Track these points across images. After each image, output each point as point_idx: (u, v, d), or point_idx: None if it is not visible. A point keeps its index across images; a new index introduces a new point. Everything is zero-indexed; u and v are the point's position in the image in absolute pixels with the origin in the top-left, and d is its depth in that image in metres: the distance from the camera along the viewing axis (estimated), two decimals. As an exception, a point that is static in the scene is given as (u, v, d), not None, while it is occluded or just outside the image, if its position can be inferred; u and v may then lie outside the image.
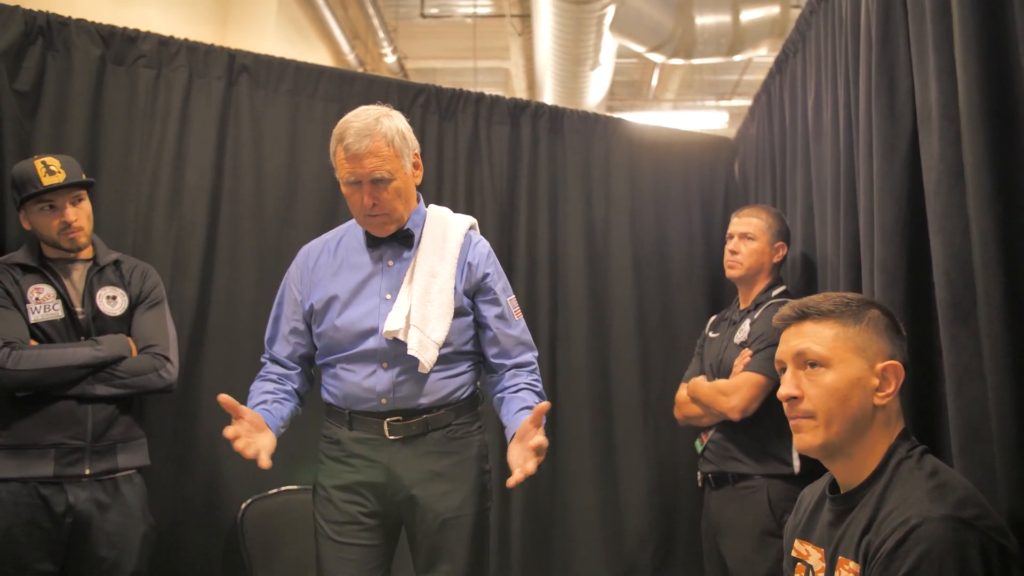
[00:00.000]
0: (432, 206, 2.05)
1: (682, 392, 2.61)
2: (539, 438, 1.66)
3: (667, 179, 3.45)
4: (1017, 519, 1.32)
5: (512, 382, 1.95)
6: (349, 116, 1.87)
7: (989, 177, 1.42)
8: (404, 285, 1.90)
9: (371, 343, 1.88)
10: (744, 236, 2.59)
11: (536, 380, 1.98)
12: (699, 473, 2.56)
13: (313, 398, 2.05)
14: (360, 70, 8.29)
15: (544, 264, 3.22)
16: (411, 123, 2.94)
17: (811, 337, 1.34)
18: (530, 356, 2.02)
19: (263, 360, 2.03)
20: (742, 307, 2.62)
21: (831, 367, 1.31)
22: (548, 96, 7.05)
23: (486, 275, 1.98)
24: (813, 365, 1.33)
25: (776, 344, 1.43)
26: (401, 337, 1.86)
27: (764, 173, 3.20)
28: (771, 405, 2.27)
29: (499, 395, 1.96)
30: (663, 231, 3.42)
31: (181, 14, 5.35)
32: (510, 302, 2.01)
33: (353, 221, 2.02)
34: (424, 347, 1.85)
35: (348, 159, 1.82)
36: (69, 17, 2.58)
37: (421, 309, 1.87)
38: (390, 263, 1.94)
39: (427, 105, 3.10)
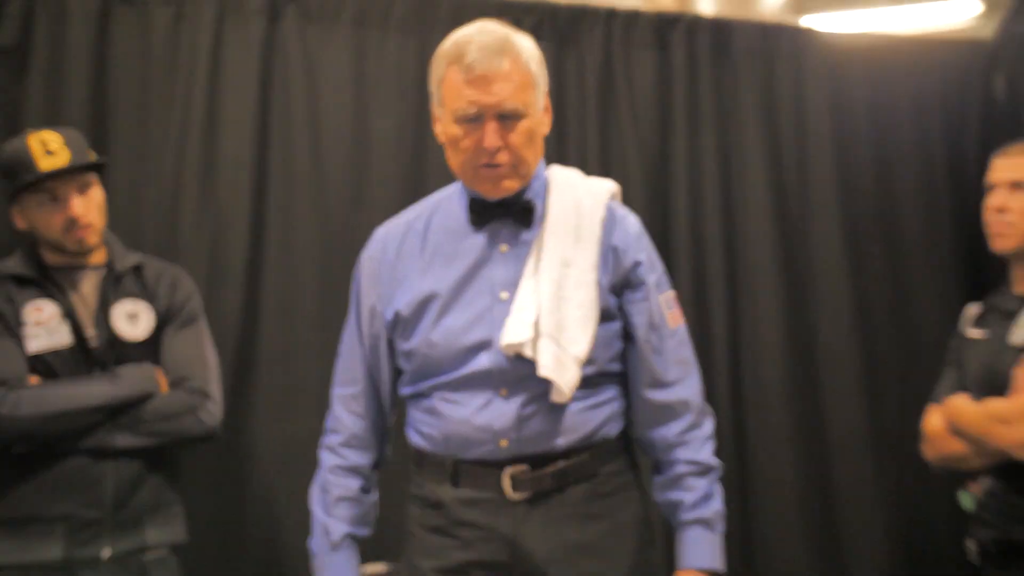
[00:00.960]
0: (555, 168, 2.04)
1: (934, 419, 2.49)
2: None
3: (889, 109, 3.39)
4: None
5: (663, 454, 1.96)
6: (464, 32, 1.87)
7: None
8: (527, 278, 1.88)
9: (484, 361, 1.86)
10: (1017, 186, 2.47)
11: (701, 443, 1.95)
12: (970, 541, 2.44)
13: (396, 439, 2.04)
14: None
15: (715, 240, 3.21)
16: None
17: None
18: (688, 391, 1.97)
19: (330, 425, 2.02)
20: (1018, 291, 2.50)
21: None
22: (706, 2, 6.92)
23: (637, 263, 1.97)
24: None
25: None
26: (528, 352, 1.82)
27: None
28: None
29: (660, 477, 1.97)
30: (887, 184, 3.36)
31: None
32: (665, 301, 1.98)
33: (443, 194, 2.03)
34: (562, 365, 1.82)
35: (470, 82, 1.81)
36: (59, -56, 2.69)
37: (555, 312, 1.85)
38: (504, 248, 1.91)
39: (539, 29, 3.09)
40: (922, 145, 3.41)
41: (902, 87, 3.42)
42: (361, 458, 1.99)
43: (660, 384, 1.94)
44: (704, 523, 1.89)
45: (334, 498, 1.97)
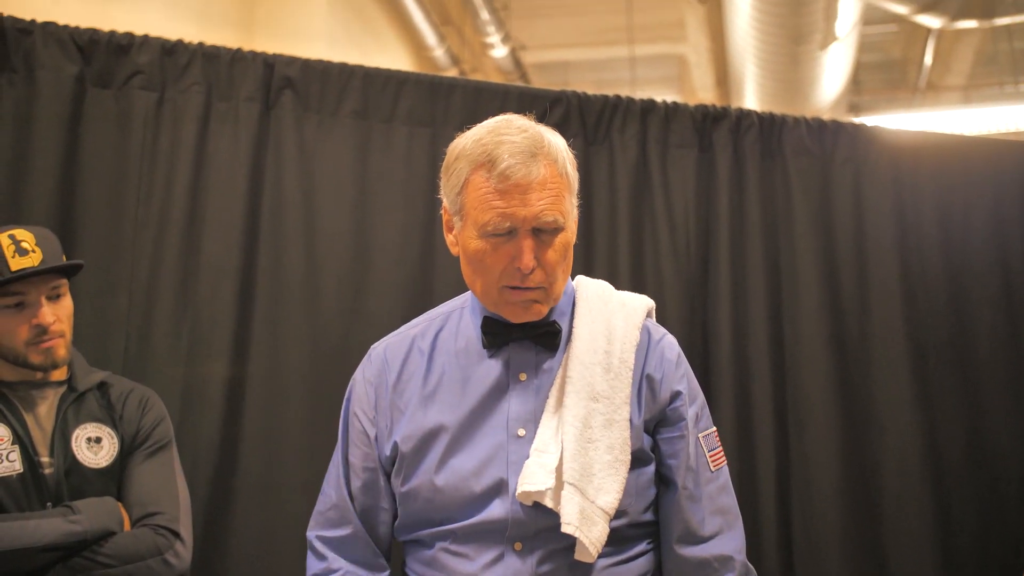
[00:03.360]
0: (582, 280, 2.02)
1: None
2: None
3: (962, 217, 3.43)
4: None
5: None
6: (489, 129, 1.84)
7: None
8: (549, 414, 1.85)
9: (497, 510, 1.82)
10: None
11: None
12: None
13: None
14: (456, 73, 8.54)
15: (762, 367, 3.21)
16: None
17: None
18: (729, 546, 1.92)
19: (315, 555, 1.97)
20: None
21: None
22: (751, 96, 7.05)
23: (675, 395, 1.93)
24: None
25: None
26: (549, 503, 1.78)
27: None
28: None
29: None
30: (960, 303, 3.37)
31: (188, 13, 5.66)
32: (705, 440, 1.94)
33: (451, 306, 2.01)
34: (588, 520, 1.78)
35: (503, 193, 1.77)
36: (32, 21, 2.74)
37: (580, 456, 1.81)
38: (523, 376, 1.88)
39: (566, 122, 3.15)
40: (1000, 258, 3.42)
41: (976, 192, 3.46)
42: None
43: (696, 538, 1.89)
44: None
45: None
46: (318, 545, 1.96)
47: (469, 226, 1.81)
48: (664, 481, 1.91)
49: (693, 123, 3.27)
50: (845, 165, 3.40)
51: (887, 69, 10.14)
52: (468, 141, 1.82)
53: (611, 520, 1.81)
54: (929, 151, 3.48)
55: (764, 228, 3.30)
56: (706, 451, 1.92)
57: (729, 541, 1.91)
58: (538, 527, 1.81)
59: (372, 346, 2.03)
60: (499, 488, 1.83)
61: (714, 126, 3.31)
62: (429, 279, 2.96)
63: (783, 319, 3.27)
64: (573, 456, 1.80)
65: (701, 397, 1.98)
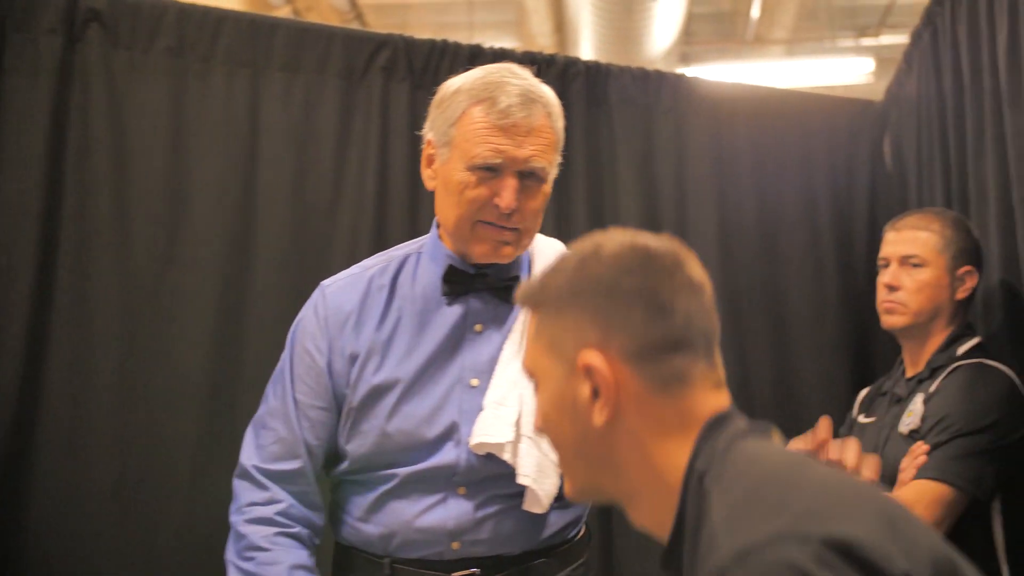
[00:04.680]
0: (540, 237, 2.07)
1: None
2: None
3: (776, 170, 3.53)
4: None
5: None
6: (493, 69, 1.90)
7: None
8: (504, 365, 1.89)
9: (447, 456, 1.87)
10: (907, 261, 2.64)
11: None
12: None
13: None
14: (289, 12, 8.38)
15: None
16: (370, 95, 3.09)
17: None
18: None
19: (253, 483, 1.95)
20: (909, 374, 2.65)
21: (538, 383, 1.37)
22: (587, 44, 7.12)
23: None
24: None
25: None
26: (506, 456, 1.83)
27: (933, 156, 3.22)
28: (966, 531, 2.29)
29: None
30: (773, 253, 3.48)
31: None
32: None
33: (409, 248, 2.03)
34: (543, 473, 1.84)
35: (501, 128, 1.82)
36: None
37: None
38: (478, 327, 1.93)
39: (392, 67, 3.13)
40: (809, 209, 3.54)
41: (789, 145, 3.56)
42: (305, 531, 1.94)
43: None
44: None
45: (286, 567, 1.87)
46: (257, 475, 1.95)
47: (456, 158, 1.86)
48: None
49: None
50: (667, 115, 3.47)
51: (718, 20, 10.38)
52: (469, 78, 1.88)
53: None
54: (746, 103, 3.57)
55: (588, 176, 3.35)
56: None
57: None
58: (486, 474, 1.87)
59: (323, 283, 2.03)
60: (450, 434, 1.88)
61: (542, 74, 3.28)
62: (250, 223, 2.91)
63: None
64: (532, 411, 1.83)
65: None
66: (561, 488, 1.84)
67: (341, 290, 1.99)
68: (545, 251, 2.03)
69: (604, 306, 1.29)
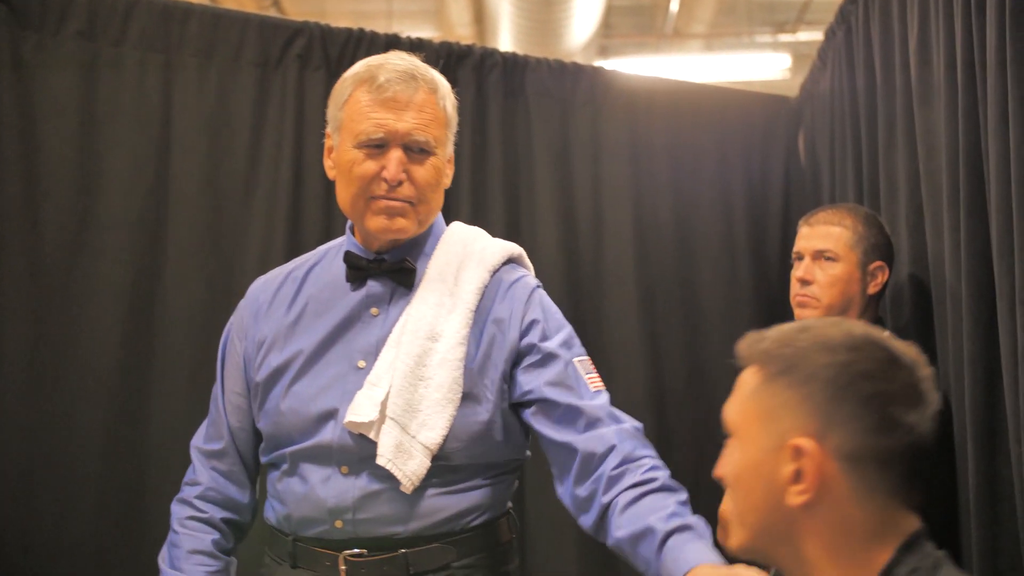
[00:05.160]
0: (456, 224, 2.10)
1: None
2: None
3: (692, 164, 3.56)
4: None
5: (608, 494, 1.81)
6: (377, 57, 1.95)
7: None
8: (389, 347, 1.92)
9: (326, 435, 1.90)
10: (821, 255, 2.68)
11: (660, 468, 1.87)
12: None
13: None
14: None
15: None
16: (285, 83, 3.06)
17: (735, 395, 1.42)
18: (617, 441, 1.88)
19: (186, 479, 2.05)
20: None
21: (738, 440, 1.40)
22: (506, 35, 7.12)
23: (530, 324, 1.96)
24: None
25: None
26: (372, 434, 1.86)
27: (846, 152, 3.27)
28: None
29: (609, 512, 1.81)
30: (687, 247, 3.52)
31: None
32: (581, 365, 1.96)
33: (332, 244, 2.08)
34: (405, 454, 1.86)
35: (380, 103, 1.87)
36: None
37: (407, 392, 1.89)
38: (374, 311, 1.96)
39: (308, 56, 3.12)
40: (724, 203, 3.57)
41: (706, 139, 3.60)
42: (219, 512, 2.02)
43: (590, 421, 1.88)
44: (685, 529, 1.72)
45: (185, 551, 1.97)
46: (194, 455, 2.08)
47: (345, 139, 1.90)
48: (540, 407, 1.93)
49: (437, 60, 3.25)
50: (585, 108, 3.49)
51: (637, 14, 10.43)
52: (356, 66, 1.94)
53: (436, 458, 1.87)
54: (664, 97, 3.60)
55: (505, 168, 3.36)
56: (583, 374, 1.95)
57: (609, 435, 1.87)
58: (363, 454, 1.88)
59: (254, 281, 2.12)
60: (331, 414, 1.91)
61: (458, 64, 3.32)
62: (162, 210, 2.88)
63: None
64: (399, 392, 1.89)
65: (568, 328, 2.03)
66: (445, 472, 1.88)
67: (262, 283, 2.09)
68: (454, 237, 2.05)
69: (833, 400, 1.30)
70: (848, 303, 2.65)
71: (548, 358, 1.94)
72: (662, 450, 3.23)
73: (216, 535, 2.01)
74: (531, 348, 1.95)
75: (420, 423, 1.87)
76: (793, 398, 1.32)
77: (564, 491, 1.91)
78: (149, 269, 2.86)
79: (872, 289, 2.66)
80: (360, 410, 1.87)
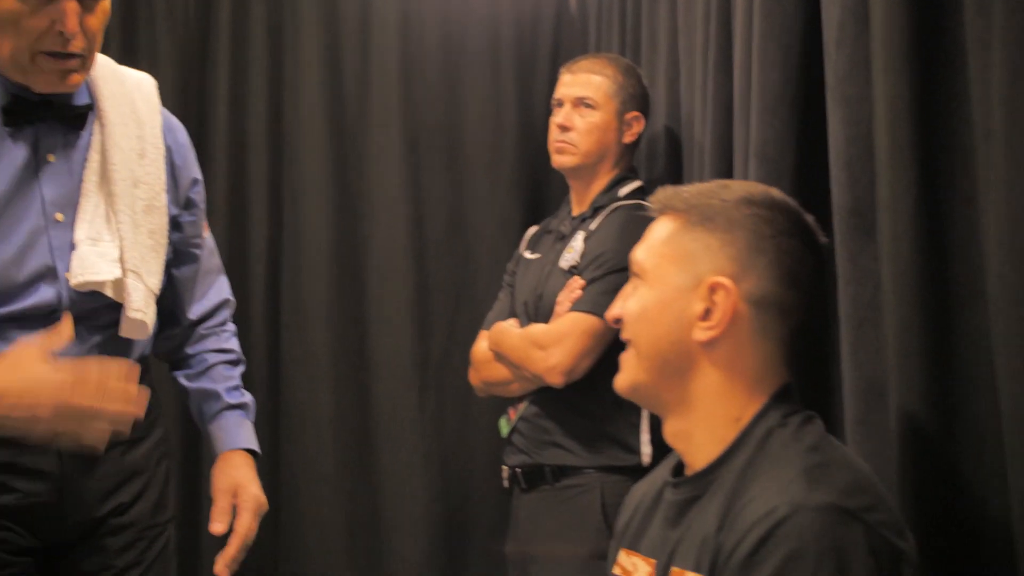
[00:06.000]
0: (101, 59, 1.97)
1: (481, 345, 2.73)
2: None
3: (461, 9, 3.53)
4: (914, 511, 1.50)
5: (194, 347, 2.13)
6: None
7: (905, 18, 1.52)
8: (87, 199, 1.85)
9: (46, 295, 1.82)
10: (580, 102, 2.70)
11: (232, 335, 2.19)
12: (504, 468, 2.71)
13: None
14: None
15: (258, 148, 3.31)
16: None
17: (646, 240, 1.53)
18: (223, 292, 2.19)
19: None
20: (575, 213, 2.75)
21: (646, 280, 1.50)
22: None
23: (194, 182, 2.06)
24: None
25: (625, 268, 1.61)
26: (110, 292, 1.83)
27: (612, 4, 3.29)
28: (613, 363, 2.42)
29: (190, 370, 2.13)
30: (454, 92, 3.50)
31: None
32: (202, 213, 2.12)
33: None
34: (148, 304, 1.89)
35: None
36: None
37: (138, 245, 1.89)
38: (51, 157, 1.85)
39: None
40: (492, 50, 3.52)
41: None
42: None
43: (203, 301, 2.11)
44: (241, 408, 2.09)
45: None
46: None
47: None
48: (182, 258, 2.04)
49: None
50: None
51: None
52: None
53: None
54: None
55: (266, 22, 3.34)
56: (202, 221, 2.09)
57: (222, 287, 2.17)
58: (87, 308, 1.84)
59: None
60: (45, 274, 1.82)
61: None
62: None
63: (283, 91, 3.33)
64: (132, 245, 1.86)
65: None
66: None
67: None
68: (100, 69, 1.95)
69: (753, 249, 1.44)
70: (604, 151, 2.69)
71: (198, 219, 2.08)
72: (425, 299, 3.35)
73: None
74: (193, 203, 2.06)
75: (148, 271, 1.90)
76: (715, 243, 1.45)
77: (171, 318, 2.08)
78: None
79: (628, 139, 2.71)
80: (95, 268, 1.82)
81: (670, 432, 1.52)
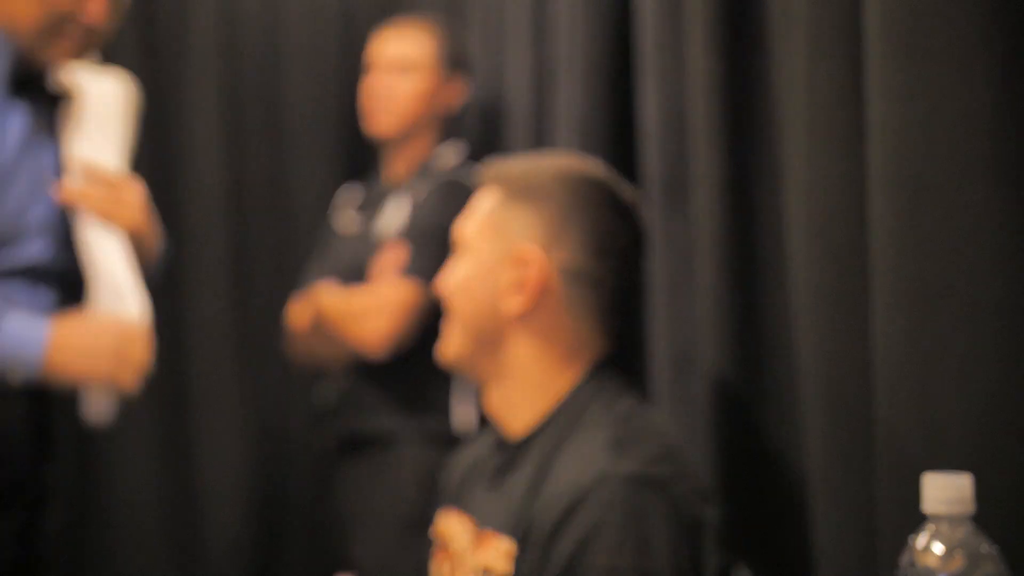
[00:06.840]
0: None
1: (298, 312, 2.70)
2: None
3: None
4: (723, 473, 1.57)
5: None
6: None
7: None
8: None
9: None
10: (395, 66, 2.68)
11: None
12: (323, 436, 2.74)
13: None
14: None
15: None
16: None
17: (469, 212, 1.58)
18: None
19: None
20: (393, 179, 2.73)
21: (466, 252, 1.56)
22: None
23: None
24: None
25: (448, 238, 1.64)
26: None
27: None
28: (435, 331, 2.44)
29: None
30: (272, 49, 3.43)
31: None
32: None
33: None
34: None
35: None
36: None
37: None
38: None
39: None
40: (308, 10, 3.40)
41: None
42: None
43: None
44: None
45: None
46: None
47: None
48: None
49: None
50: None
51: None
52: None
53: None
54: None
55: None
56: None
57: None
58: None
59: None
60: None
61: None
62: None
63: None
64: None
65: None
66: None
67: None
68: None
69: (565, 220, 1.48)
70: (423, 117, 2.67)
71: None
72: (239, 262, 3.27)
73: None
74: None
75: None
76: (529, 215, 1.49)
77: None
78: None
79: (448, 103, 2.71)
80: None
81: (489, 402, 1.56)
